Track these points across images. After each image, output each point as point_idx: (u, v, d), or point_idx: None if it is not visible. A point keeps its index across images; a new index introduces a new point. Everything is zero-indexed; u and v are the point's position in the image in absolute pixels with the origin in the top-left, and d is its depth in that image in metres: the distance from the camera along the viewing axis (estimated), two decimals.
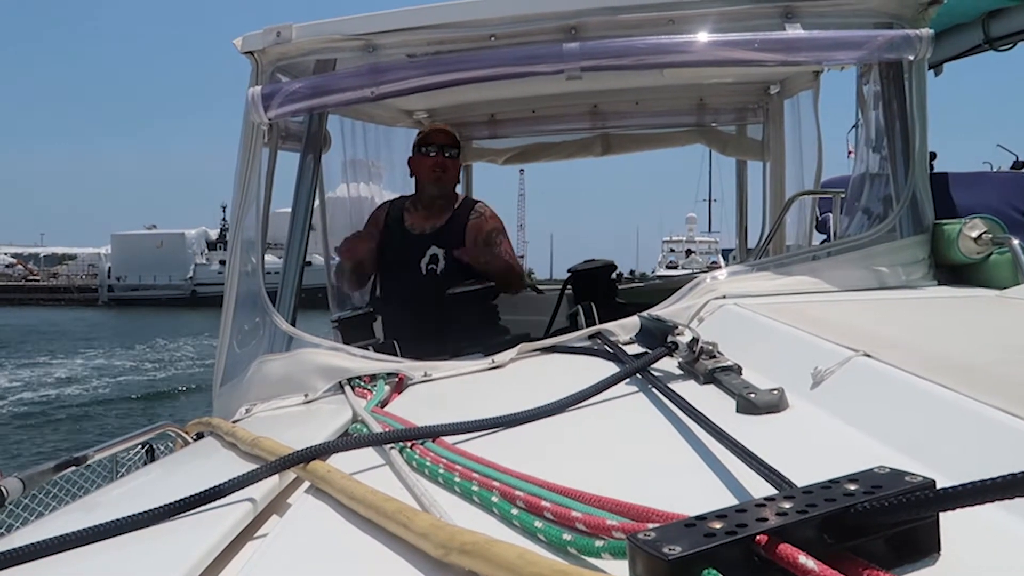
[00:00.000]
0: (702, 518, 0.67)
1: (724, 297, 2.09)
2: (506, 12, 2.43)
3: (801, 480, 0.79)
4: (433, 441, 1.29)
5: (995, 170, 5.70)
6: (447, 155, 3.46)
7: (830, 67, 3.22)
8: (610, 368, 1.67)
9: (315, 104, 2.57)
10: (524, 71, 2.44)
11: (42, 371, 20.11)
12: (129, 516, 1.08)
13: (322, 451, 1.25)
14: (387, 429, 1.41)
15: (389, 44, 2.49)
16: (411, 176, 3.59)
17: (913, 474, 0.72)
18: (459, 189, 3.93)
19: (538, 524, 0.88)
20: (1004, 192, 3.34)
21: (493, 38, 2.42)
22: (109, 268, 60.26)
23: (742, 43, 2.31)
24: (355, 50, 2.50)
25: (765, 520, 0.66)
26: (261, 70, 2.53)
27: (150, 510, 1.10)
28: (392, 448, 1.27)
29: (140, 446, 2.54)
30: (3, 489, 1.61)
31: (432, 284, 3.28)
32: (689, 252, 56.67)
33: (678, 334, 1.55)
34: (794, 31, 2.29)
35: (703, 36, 2.32)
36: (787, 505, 0.68)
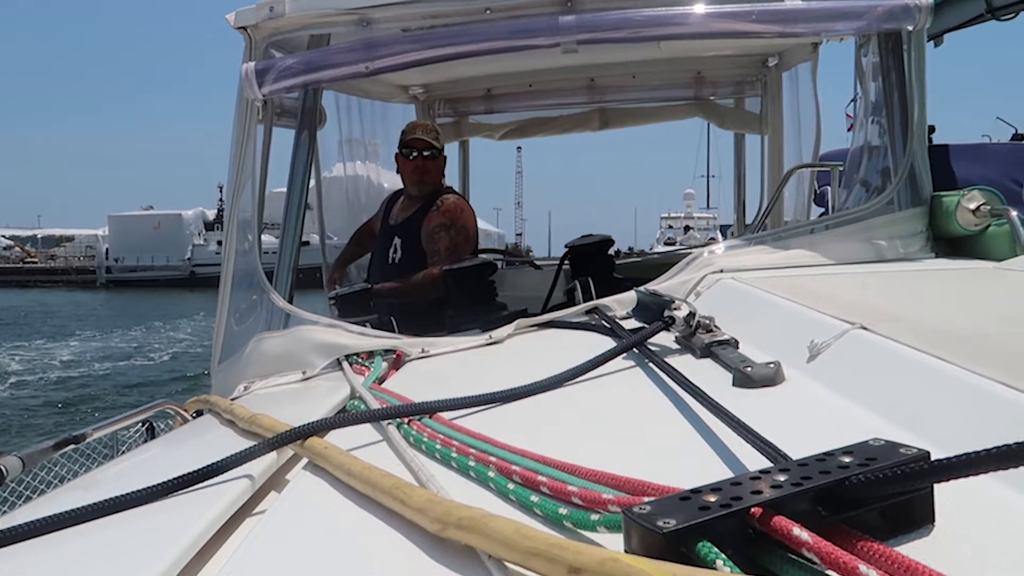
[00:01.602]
0: (697, 491, 0.68)
1: (721, 271, 2.09)
2: None
3: (797, 453, 0.79)
4: (430, 417, 1.29)
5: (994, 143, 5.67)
6: (426, 156, 3.46)
7: (829, 38, 3.19)
8: (607, 343, 1.67)
9: (310, 80, 2.55)
10: (520, 44, 2.42)
11: (40, 353, 20.11)
12: (129, 493, 1.09)
13: (320, 428, 1.25)
14: (384, 405, 1.41)
15: (383, 18, 2.46)
16: (397, 172, 3.61)
17: (908, 446, 0.72)
18: (455, 166, 3.94)
19: (534, 499, 0.89)
20: (1002, 164, 3.33)
21: (488, 11, 2.40)
22: (107, 249, 60.05)
23: (739, 14, 2.29)
24: (349, 24, 2.48)
25: (760, 493, 0.66)
26: (254, 45, 2.51)
27: (149, 487, 1.10)
28: (389, 424, 1.27)
29: (140, 424, 2.55)
30: (2, 468, 1.61)
31: (394, 274, 3.40)
32: (687, 228, 56.50)
33: (675, 308, 1.55)
34: (792, 2, 2.27)
35: (700, 7, 2.30)
36: (782, 478, 0.68)
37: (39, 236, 75.30)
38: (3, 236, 72.99)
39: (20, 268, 63.50)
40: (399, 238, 3.48)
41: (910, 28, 2.29)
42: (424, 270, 3.30)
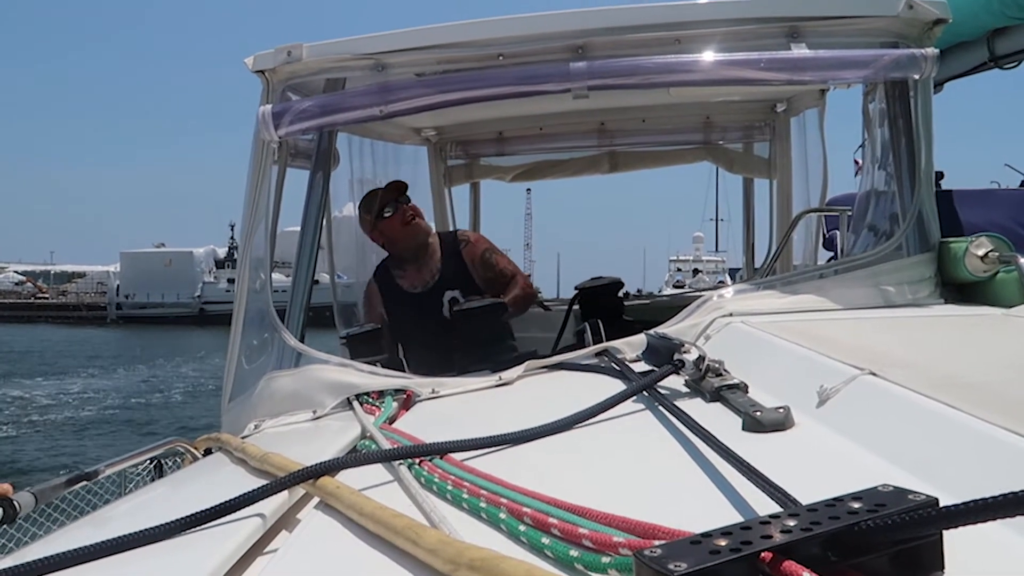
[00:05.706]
0: (707, 535, 0.68)
1: (731, 315, 2.10)
2: (514, 32, 2.46)
3: (806, 498, 0.79)
4: (441, 458, 1.29)
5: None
6: (406, 203, 3.42)
7: (836, 86, 3.23)
8: (617, 386, 1.68)
9: (325, 122, 2.60)
10: (531, 90, 2.46)
11: (49, 389, 20.14)
12: (140, 531, 1.09)
13: (331, 467, 1.26)
14: (395, 445, 1.42)
15: (398, 63, 2.51)
16: (381, 246, 3.55)
17: (917, 492, 0.72)
18: (467, 208, 3.97)
19: (545, 541, 0.89)
20: (1011, 210, 3.34)
21: (501, 57, 2.45)
22: (118, 286, 60.46)
23: (748, 62, 2.33)
24: (365, 69, 2.53)
25: (770, 537, 0.66)
26: (272, 88, 2.55)
27: (161, 525, 1.11)
28: (401, 464, 1.28)
29: (149, 461, 2.55)
30: (16, 503, 1.62)
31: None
32: (696, 271, 56.62)
33: (685, 352, 1.55)
34: (800, 50, 2.31)
35: (709, 55, 2.34)
36: (792, 523, 0.69)
37: (52, 272, 75.84)
38: (15, 272, 73.60)
39: (31, 304, 63.89)
40: (450, 291, 3.37)
41: (916, 77, 2.32)
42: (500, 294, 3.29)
